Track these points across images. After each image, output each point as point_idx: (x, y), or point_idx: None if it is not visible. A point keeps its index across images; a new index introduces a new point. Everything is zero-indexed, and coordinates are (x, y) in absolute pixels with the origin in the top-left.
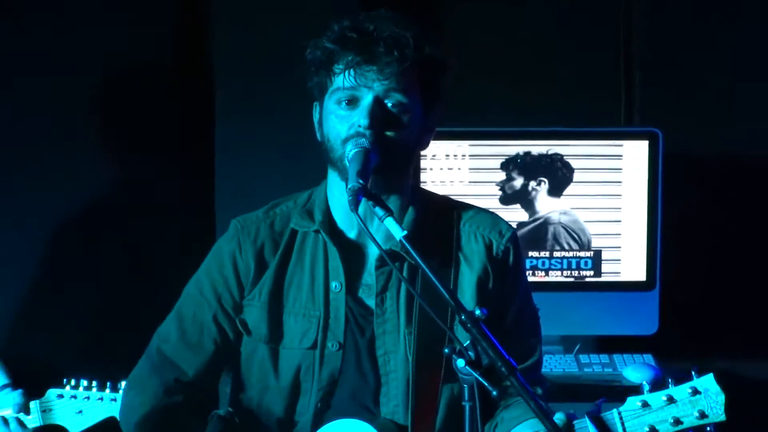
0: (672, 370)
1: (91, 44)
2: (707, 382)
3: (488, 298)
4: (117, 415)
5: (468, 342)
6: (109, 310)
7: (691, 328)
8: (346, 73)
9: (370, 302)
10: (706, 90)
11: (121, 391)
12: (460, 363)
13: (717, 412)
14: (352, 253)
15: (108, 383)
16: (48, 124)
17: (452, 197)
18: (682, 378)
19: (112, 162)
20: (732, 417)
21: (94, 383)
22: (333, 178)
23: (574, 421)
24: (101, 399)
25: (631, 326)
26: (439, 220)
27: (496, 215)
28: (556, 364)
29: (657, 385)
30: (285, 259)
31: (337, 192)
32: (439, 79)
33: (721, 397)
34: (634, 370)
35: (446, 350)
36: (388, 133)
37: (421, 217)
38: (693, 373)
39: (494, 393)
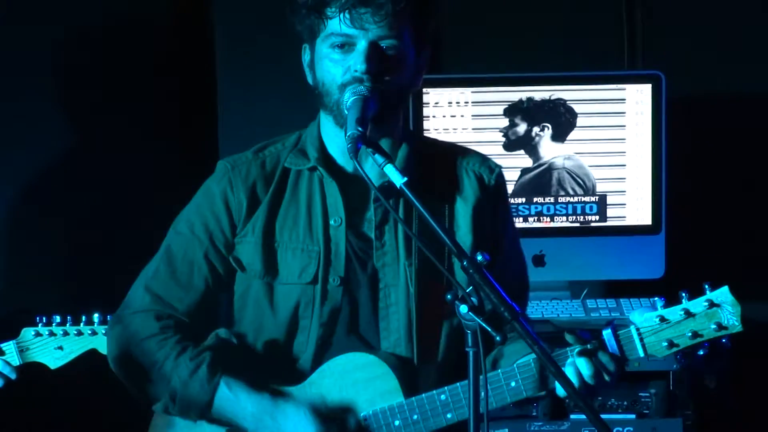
0: None
1: None
2: (723, 295)
3: (483, 231)
4: (98, 348)
5: (470, 288)
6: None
7: (698, 272)
8: (341, 16)
9: (372, 235)
10: (710, 31)
11: (96, 324)
12: (463, 309)
13: (734, 323)
14: (352, 187)
15: (83, 317)
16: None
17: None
18: (695, 294)
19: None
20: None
21: (68, 318)
22: (326, 120)
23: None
24: (79, 333)
25: (638, 270)
26: (430, 158)
27: (483, 154)
28: (563, 310)
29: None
30: (278, 196)
31: (331, 132)
32: (431, 19)
33: (738, 308)
34: (641, 314)
35: (449, 296)
36: (385, 77)
37: (414, 155)
38: (706, 287)
39: (497, 338)
